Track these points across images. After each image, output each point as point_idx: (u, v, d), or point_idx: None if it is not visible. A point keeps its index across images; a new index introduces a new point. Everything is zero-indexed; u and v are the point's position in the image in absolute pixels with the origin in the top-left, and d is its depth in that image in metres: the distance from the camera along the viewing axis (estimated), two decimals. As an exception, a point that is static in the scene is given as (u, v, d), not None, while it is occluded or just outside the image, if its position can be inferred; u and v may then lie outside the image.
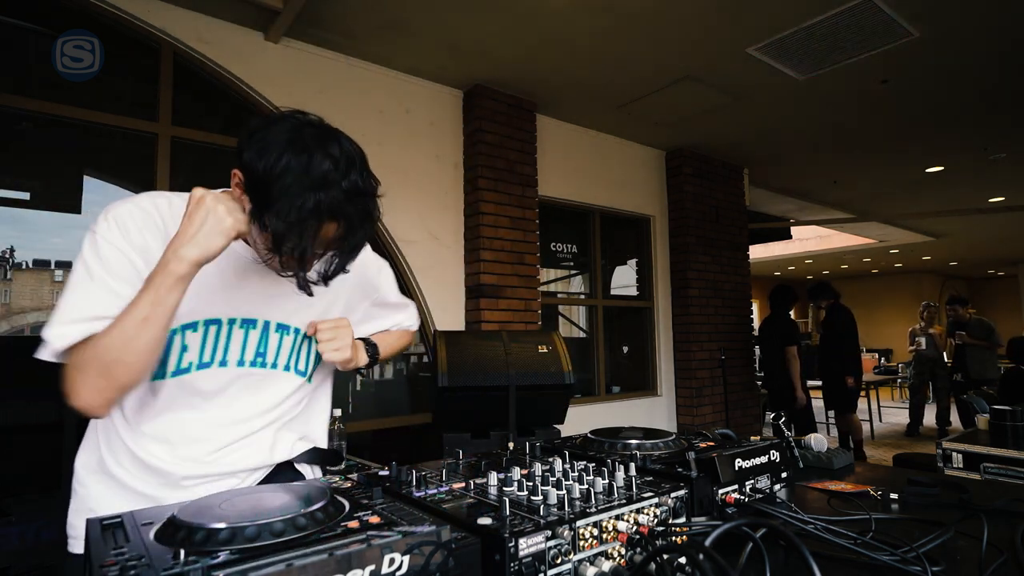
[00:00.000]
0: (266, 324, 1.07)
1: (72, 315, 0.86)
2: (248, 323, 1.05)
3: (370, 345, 1.23)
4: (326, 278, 0.95)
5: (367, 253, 1.22)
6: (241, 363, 1.05)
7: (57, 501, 1.45)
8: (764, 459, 1.00)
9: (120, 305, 0.86)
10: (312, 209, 0.82)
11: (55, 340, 0.85)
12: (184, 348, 1.00)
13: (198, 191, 0.87)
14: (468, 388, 2.38)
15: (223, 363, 1.03)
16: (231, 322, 1.03)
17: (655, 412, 5.17)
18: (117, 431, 1.00)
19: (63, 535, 1.01)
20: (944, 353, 7.33)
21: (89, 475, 1.02)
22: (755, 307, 6.59)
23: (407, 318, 1.39)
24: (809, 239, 11.76)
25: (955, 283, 17.33)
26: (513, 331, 2.87)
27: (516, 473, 0.83)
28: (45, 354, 0.87)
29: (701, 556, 0.59)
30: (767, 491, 0.98)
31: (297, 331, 1.11)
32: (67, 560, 1.01)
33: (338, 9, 3.04)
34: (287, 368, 1.11)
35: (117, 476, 1.00)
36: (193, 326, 1.00)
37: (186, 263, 0.84)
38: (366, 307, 1.27)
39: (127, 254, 0.91)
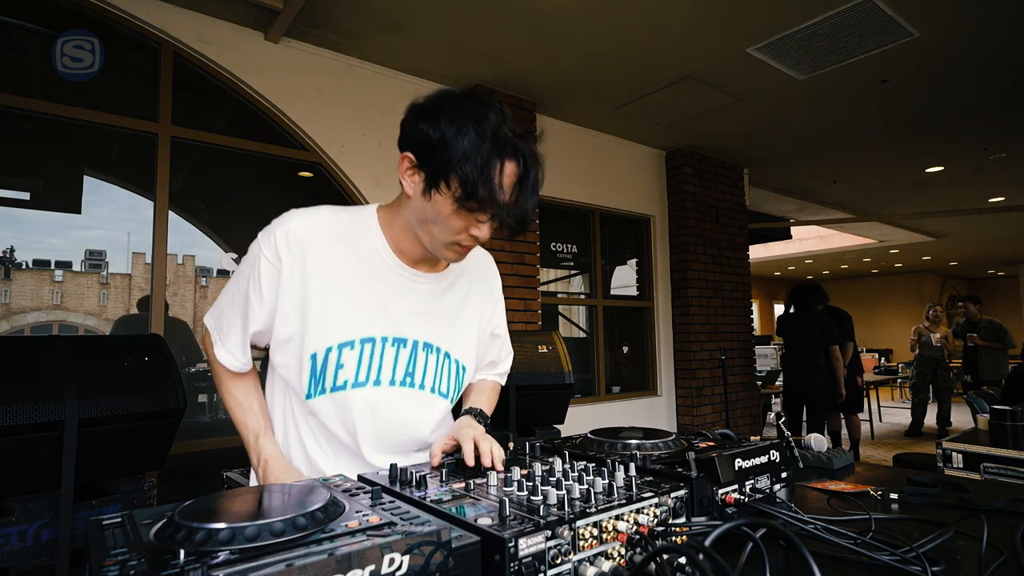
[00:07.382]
0: (415, 343, 1.09)
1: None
2: (399, 341, 1.08)
3: (484, 418, 1.19)
4: (522, 222, 0.98)
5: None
6: (392, 383, 1.07)
7: (57, 501, 1.45)
8: (764, 459, 1.00)
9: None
10: (492, 148, 0.92)
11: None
12: (340, 366, 1.02)
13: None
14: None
15: (376, 382, 1.05)
16: (384, 340, 1.06)
17: (655, 412, 5.17)
18: (299, 434, 1.10)
19: (63, 535, 1.01)
20: (946, 353, 7.31)
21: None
22: (755, 307, 6.59)
23: (504, 370, 1.36)
24: (809, 239, 11.76)
25: (955, 283, 17.32)
26: (513, 331, 2.85)
27: (516, 473, 0.83)
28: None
29: (701, 556, 0.59)
30: (767, 491, 0.98)
31: (439, 350, 1.13)
32: None
33: (338, 9, 3.04)
34: (433, 390, 1.12)
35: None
36: (350, 344, 1.03)
37: (263, 458, 1.06)
38: (486, 338, 1.26)
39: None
